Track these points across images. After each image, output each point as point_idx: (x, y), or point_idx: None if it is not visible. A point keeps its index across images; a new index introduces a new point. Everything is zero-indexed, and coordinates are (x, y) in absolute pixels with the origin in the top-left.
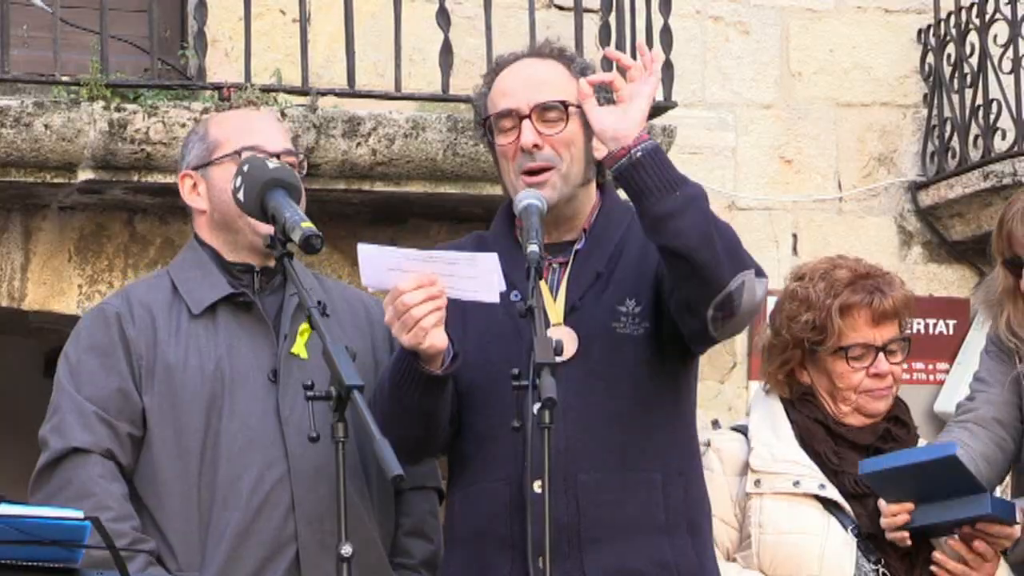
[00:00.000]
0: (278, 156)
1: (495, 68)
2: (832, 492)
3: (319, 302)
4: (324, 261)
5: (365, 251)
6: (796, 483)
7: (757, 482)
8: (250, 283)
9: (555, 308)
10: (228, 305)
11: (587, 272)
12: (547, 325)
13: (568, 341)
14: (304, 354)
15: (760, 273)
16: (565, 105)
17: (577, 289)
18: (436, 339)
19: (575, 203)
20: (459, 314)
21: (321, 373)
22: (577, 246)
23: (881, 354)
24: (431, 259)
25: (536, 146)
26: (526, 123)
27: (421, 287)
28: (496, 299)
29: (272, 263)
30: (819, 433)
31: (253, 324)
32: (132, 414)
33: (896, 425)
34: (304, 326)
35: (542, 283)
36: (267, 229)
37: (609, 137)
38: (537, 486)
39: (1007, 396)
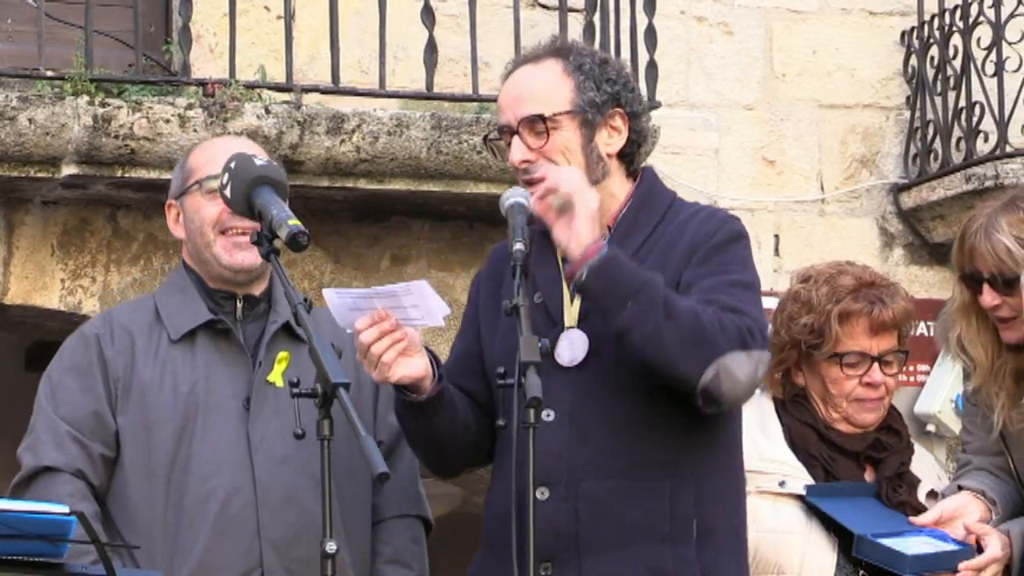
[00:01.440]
0: None
1: (503, 77)
2: None
3: (305, 299)
4: (307, 258)
5: (328, 296)
6: (782, 483)
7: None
8: (232, 310)
9: (571, 310)
10: (207, 331)
11: None
12: (562, 328)
13: (580, 345)
14: (280, 383)
15: (748, 344)
16: (544, 119)
17: None
18: (405, 370)
19: None
20: (492, 316)
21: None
22: None
23: (876, 364)
24: (377, 295)
25: (527, 161)
26: (515, 139)
27: (375, 324)
28: (441, 323)
29: (256, 291)
30: (811, 437)
31: (230, 351)
32: (105, 436)
33: (888, 434)
34: (282, 354)
35: (564, 283)
36: (232, 261)
37: (566, 254)
38: (539, 493)
39: (987, 438)
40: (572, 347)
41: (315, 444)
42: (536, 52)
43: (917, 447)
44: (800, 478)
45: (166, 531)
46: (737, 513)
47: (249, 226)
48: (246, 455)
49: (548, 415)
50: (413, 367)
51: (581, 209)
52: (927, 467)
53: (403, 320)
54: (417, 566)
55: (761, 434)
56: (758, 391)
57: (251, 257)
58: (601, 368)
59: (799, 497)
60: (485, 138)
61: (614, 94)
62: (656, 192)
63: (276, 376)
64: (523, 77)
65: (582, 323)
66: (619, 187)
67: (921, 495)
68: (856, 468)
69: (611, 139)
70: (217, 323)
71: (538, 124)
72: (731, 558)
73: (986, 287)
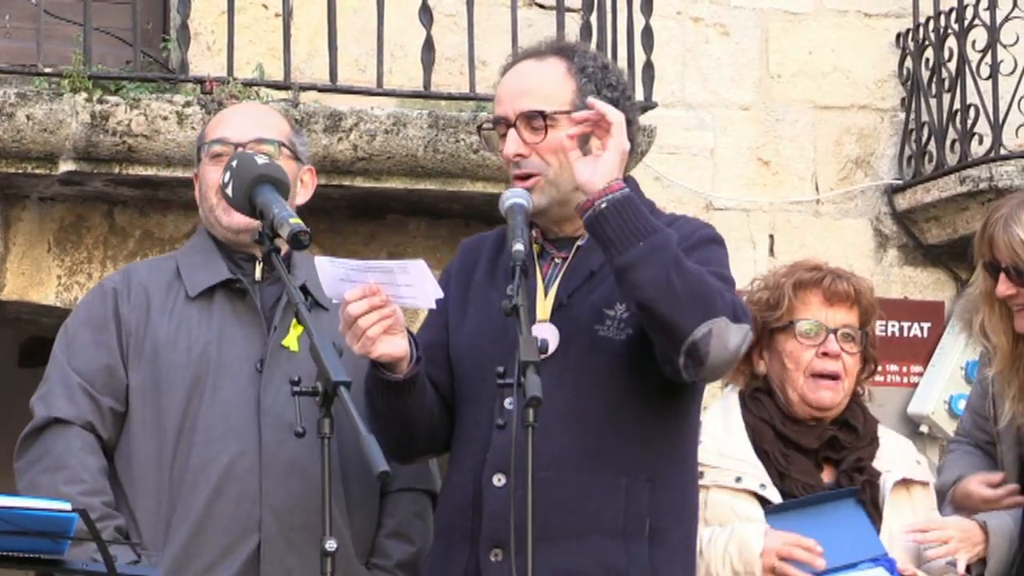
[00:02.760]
0: (244, 146)
1: (502, 70)
2: (772, 493)
3: (307, 297)
4: (303, 255)
5: (320, 263)
6: (738, 479)
7: (701, 474)
8: (251, 271)
9: (544, 304)
10: (225, 291)
11: (582, 270)
12: (533, 321)
13: (550, 338)
14: (295, 347)
15: (739, 318)
16: (544, 115)
17: (568, 287)
18: (387, 347)
19: (572, 204)
20: (460, 308)
21: (310, 368)
22: (579, 242)
23: (832, 336)
24: (371, 268)
25: (520, 155)
26: (511, 132)
27: (365, 297)
28: (432, 305)
29: None
30: (768, 434)
31: (246, 312)
32: (116, 390)
33: (845, 431)
34: None
35: (539, 278)
36: (231, 222)
37: (584, 188)
38: (496, 480)
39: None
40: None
41: None
42: (539, 49)
43: (892, 434)
44: (756, 476)
45: (169, 490)
46: (690, 524)
47: None
48: (254, 419)
49: (511, 404)
50: (395, 345)
51: (618, 144)
52: (902, 454)
53: (394, 298)
54: (419, 540)
55: (723, 429)
56: (728, 388)
57: (247, 217)
58: (570, 362)
59: (754, 494)
60: (479, 127)
61: (613, 100)
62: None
63: (291, 341)
64: (525, 72)
65: (554, 317)
66: None
67: (889, 483)
68: (812, 467)
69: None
70: (235, 283)
71: (536, 120)
72: (682, 564)
73: (1002, 276)
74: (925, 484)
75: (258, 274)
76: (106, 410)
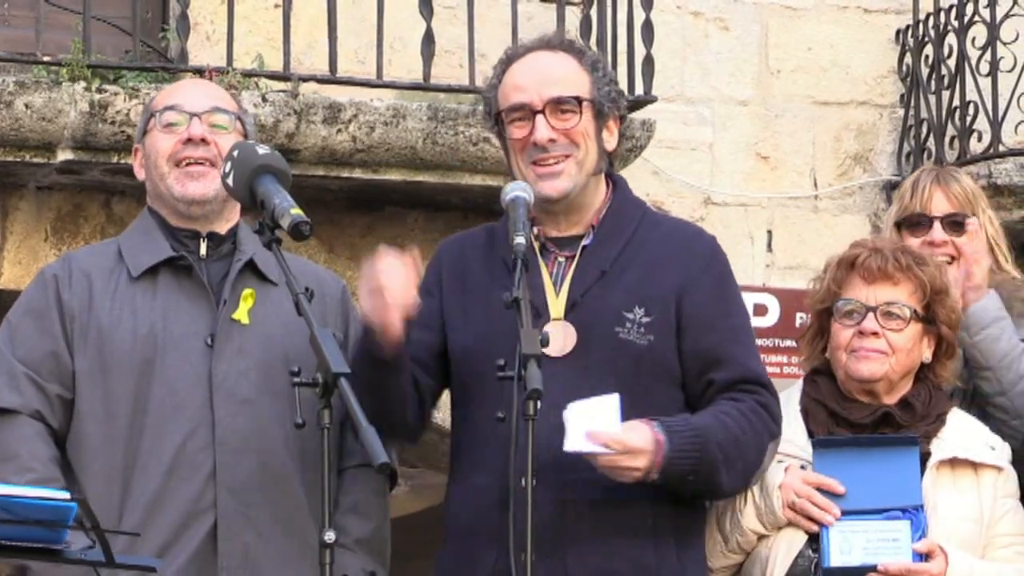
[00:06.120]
0: (199, 116)
1: (506, 60)
2: None
3: (307, 288)
4: (300, 247)
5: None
6: (779, 461)
7: None
8: (195, 248)
9: (556, 303)
10: (169, 269)
11: (592, 270)
12: (547, 319)
13: (567, 337)
14: (245, 320)
15: (775, 434)
16: (579, 100)
17: (580, 286)
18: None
19: (587, 194)
20: (460, 309)
21: (260, 340)
22: (585, 242)
23: (871, 313)
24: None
25: (551, 140)
26: (539, 118)
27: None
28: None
29: (220, 229)
30: (819, 415)
31: (193, 288)
32: (63, 376)
33: (902, 410)
34: (247, 291)
35: (545, 276)
36: (184, 192)
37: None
38: (525, 482)
39: None
40: (559, 338)
41: (279, 385)
42: (548, 42)
43: (969, 419)
44: (801, 459)
45: (123, 475)
46: (703, 519)
47: (203, 155)
48: (206, 394)
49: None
50: (398, 326)
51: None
52: (973, 437)
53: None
54: (376, 517)
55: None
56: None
57: (201, 187)
58: (591, 361)
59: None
60: (497, 114)
61: (616, 96)
62: (631, 199)
63: (242, 314)
64: (546, 62)
65: (569, 314)
66: (602, 187)
67: (932, 461)
68: None
69: (610, 137)
70: (178, 260)
71: (570, 104)
72: (702, 562)
73: (938, 225)
74: (999, 469)
75: (203, 251)
76: (54, 397)
